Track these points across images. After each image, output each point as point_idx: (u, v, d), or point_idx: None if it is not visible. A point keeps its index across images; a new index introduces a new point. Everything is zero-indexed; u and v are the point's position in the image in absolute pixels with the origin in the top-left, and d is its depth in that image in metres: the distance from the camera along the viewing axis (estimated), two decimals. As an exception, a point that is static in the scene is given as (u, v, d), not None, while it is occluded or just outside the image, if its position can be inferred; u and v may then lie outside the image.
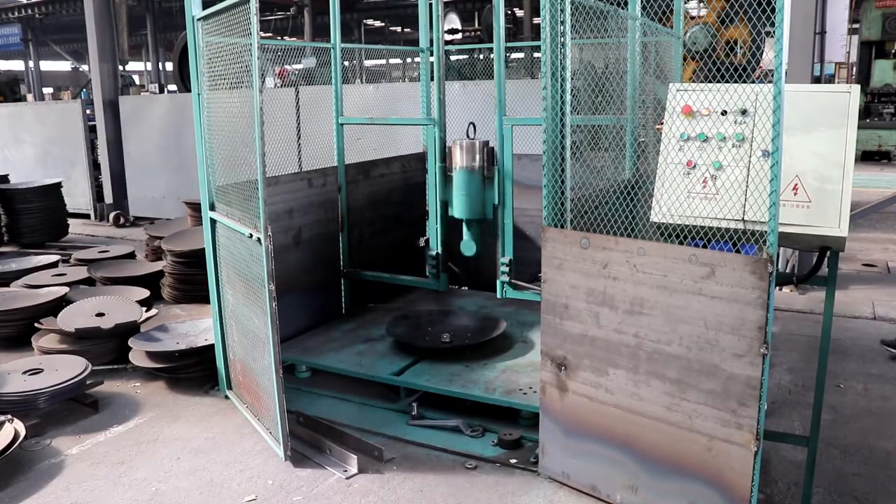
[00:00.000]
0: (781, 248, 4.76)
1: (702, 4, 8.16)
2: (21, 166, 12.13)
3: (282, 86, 8.44)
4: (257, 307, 3.87)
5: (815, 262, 3.14)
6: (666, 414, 3.05)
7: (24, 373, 4.46)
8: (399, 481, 3.60)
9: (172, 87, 16.17)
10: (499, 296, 4.66)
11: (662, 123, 3.95)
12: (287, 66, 7.94)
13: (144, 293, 6.09)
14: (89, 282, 6.66)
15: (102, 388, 4.75)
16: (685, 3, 4.67)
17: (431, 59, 5.51)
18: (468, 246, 4.94)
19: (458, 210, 4.77)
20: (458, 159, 4.69)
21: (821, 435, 3.32)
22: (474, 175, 4.67)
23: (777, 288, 4.49)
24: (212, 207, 4.39)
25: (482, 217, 4.77)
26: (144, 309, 5.60)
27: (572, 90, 3.35)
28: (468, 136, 4.76)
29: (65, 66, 32.59)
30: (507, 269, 4.56)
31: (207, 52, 4.19)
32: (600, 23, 3.40)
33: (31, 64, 26.20)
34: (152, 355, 4.86)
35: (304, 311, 5.22)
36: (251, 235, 3.75)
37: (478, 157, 4.65)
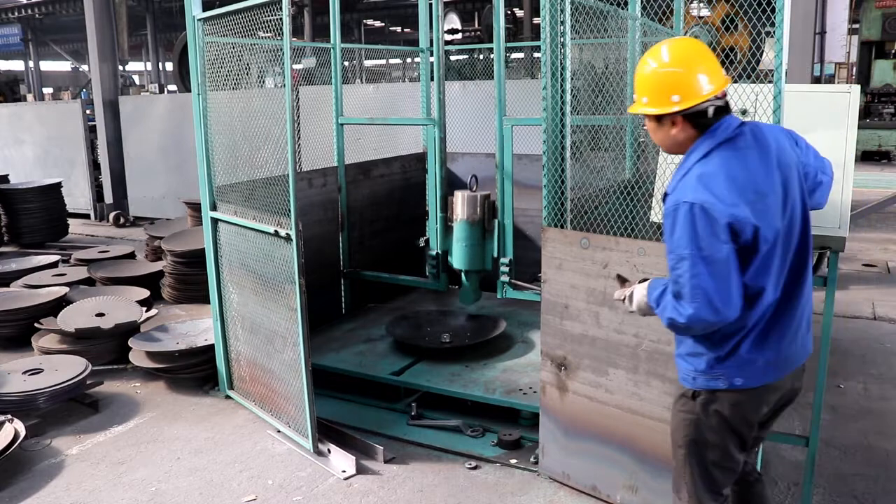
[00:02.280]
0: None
1: (702, 5, 8.16)
2: (21, 166, 12.13)
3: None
4: (276, 303, 3.90)
5: (815, 263, 3.14)
6: (666, 414, 3.03)
7: (24, 373, 4.46)
8: (399, 481, 3.60)
9: (172, 87, 16.18)
10: (499, 296, 4.66)
11: None
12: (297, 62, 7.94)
13: (144, 293, 6.09)
14: (89, 282, 6.66)
15: (102, 388, 4.75)
16: (685, 3, 4.66)
17: (431, 59, 5.51)
18: (467, 296, 4.97)
19: (457, 261, 4.78)
20: (460, 211, 4.69)
21: (821, 435, 3.32)
22: (475, 228, 4.67)
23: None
24: (213, 207, 4.39)
25: (481, 269, 4.79)
26: (144, 309, 5.60)
27: (572, 90, 3.35)
28: (470, 188, 4.76)
29: (65, 66, 32.60)
30: (507, 269, 4.56)
31: (211, 53, 4.20)
32: (600, 23, 3.41)
33: (31, 64, 26.22)
34: (152, 355, 4.86)
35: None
36: (276, 233, 3.76)
37: (479, 210, 4.66)
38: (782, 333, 2.22)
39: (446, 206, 4.84)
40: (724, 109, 2.19)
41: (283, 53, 3.56)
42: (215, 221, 4.42)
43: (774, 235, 2.12)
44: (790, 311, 2.23)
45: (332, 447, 3.79)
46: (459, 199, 4.69)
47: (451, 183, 5.47)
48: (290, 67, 3.54)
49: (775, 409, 2.35)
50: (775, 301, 2.18)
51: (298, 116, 6.44)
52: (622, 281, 2.45)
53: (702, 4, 8.14)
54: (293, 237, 3.65)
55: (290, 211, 3.66)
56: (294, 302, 3.72)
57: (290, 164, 3.64)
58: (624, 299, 2.41)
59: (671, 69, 2.18)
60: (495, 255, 4.63)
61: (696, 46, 2.22)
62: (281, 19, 3.52)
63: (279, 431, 4.10)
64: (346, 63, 10.48)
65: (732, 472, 2.33)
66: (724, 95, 2.19)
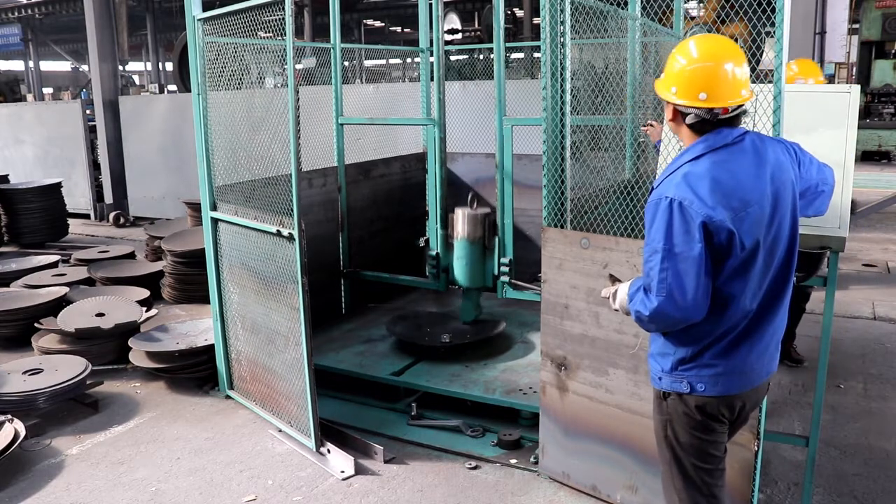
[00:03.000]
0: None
1: (701, 4, 8.16)
2: (21, 166, 12.13)
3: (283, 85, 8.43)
4: (277, 303, 3.90)
5: (815, 263, 3.14)
6: (666, 414, 3.04)
7: (24, 373, 4.46)
8: (399, 481, 3.60)
9: (172, 87, 16.18)
10: (499, 296, 4.66)
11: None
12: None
13: (144, 293, 6.09)
14: (89, 282, 6.66)
15: (102, 388, 4.75)
16: (685, 3, 4.67)
17: (431, 59, 5.51)
18: (468, 312, 5.00)
19: (458, 278, 4.82)
20: (460, 229, 4.71)
21: (821, 435, 3.32)
22: (475, 246, 4.69)
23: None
24: (213, 207, 4.39)
25: (482, 286, 4.82)
26: (144, 309, 5.60)
27: (572, 90, 3.35)
28: (470, 206, 4.78)
29: (65, 66, 32.59)
30: (507, 269, 4.56)
31: (212, 53, 4.20)
32: (600, 23, 3.41)
33: (31, 64, 26.20)
34: (152, 355, 4.86)
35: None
36: (278, 232, 3.76)
37: (479, 228, 4.67)
38: (751, 347, 2.22)
39: (447, 224, 4.85)
40: (719, 123, 2.16)
41: (285, 53, 3.55)
42: (215, 221, 4.42)
43: (753, 245, 2.11)
44: (763, 327, 2.22)
45: (332, 447, 3.79)
46: (460, 217, 4.72)
47: (451, 183, 5.48)
48: (293, 67, 3.53)
49: (739, 418, 2.34)
50: (751, 312, 2.18)
51: (298, 116, 6.46)
52: (613, 280, 2.47)
53: (701, 4, 8.16)
54: (296, 237, 3.65)
55: (292, 210, 3.66)
56: (296, 301, 3.72)
57: (294, 163, 3.64)
58: (609, 297, 2.43)
59: (698, 65, 2.15)
60: (496, 272, 4.65)
61: (732, 51, 2.16)
62: (282, 19, 3.52)
63: (280, 431, 4.10)
64: (346, 63, 10.48)
65: (717, 471, 2.32)
66: (727, 112, 2.14)
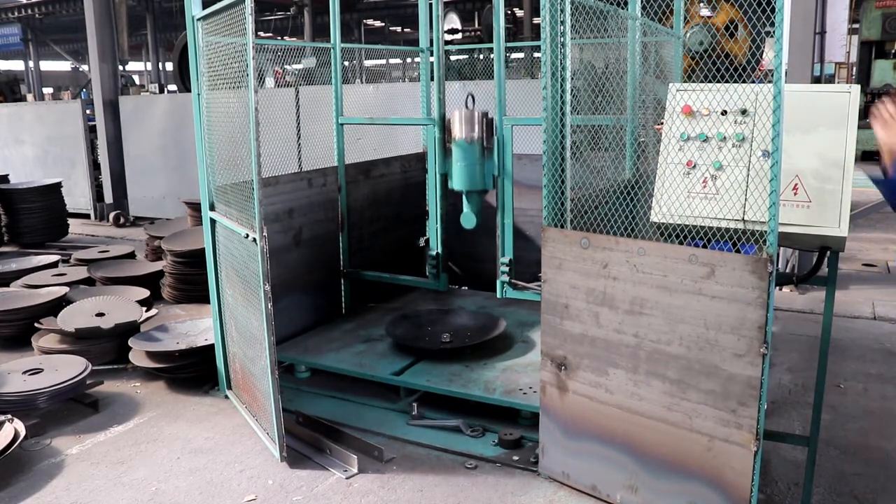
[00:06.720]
0: (781, 248, 4.76)
1: (702, 4, 8.17)
2: (21, 166, 12.13)
3: (276, 86, 8.45)
4: (254, 307, 3.87)
5: (815, 262, 3.14)
6: (666, 414, 3.05)
7: (24, 373, 4.46)
8: (399, 481, 3.60)
9: (172, 87, 16.18)
10: (499, 296, 4.66)
11: (662, 124, 3.94)
12: (281, 68, 7.95)
13: (144, 293, 6.09)
14: (89, 282, 6.66)
15: (102, 388, 4.76)
16: (684, 3, 4.67)
17: (431, 59, 5.51)
18: (468, 219, 4.83)
19: (457, 182, 4.70)
20: (457, 130, 4.61)
21: (821, 435, 3.32)
22: (473, 146, 4.58)
23: (777, 288, 4.49)
24: (212, 207, 4.39)
25: (482, 188, 4.70)
26: (144, 309, 5.60)
27: (572, 90, 3.35)
28: (466, 106, 4.66)
29: (65, 66, 32.62)
30: (507, 269, 4.56)
31: (207, 52, 4.20)
32: (600, 23, 3.40)
33: (31, 64, 26.24)
34: (152, 355, 4.86)
35: (305, 311, 5.22)
36: (247, 236, 3.75)
37: (476, 127, 4.57)
38: None
39: (444, 128, 4.74)
40: None
41: (249, 51, 3.50)
42: (213, 222, 4.41)
43: None
44: None
45: (333, 447, 3.79)
46: (457, 117, 4.60)
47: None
48: (253, 69, 3.51)
49: None
50: None
51: (299, 116, 6.46)
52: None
53: (702, 4, 8.15)
54: (258, 241, 3.61)
55: (260, 215, 3.61)
56: (261, 307, 3.67)
57: (254, 166, 3.57)
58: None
59: None
60: (495, 173, 4.54)
61: None
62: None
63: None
64: (346, 63, 10.48)
65: None
66: None
